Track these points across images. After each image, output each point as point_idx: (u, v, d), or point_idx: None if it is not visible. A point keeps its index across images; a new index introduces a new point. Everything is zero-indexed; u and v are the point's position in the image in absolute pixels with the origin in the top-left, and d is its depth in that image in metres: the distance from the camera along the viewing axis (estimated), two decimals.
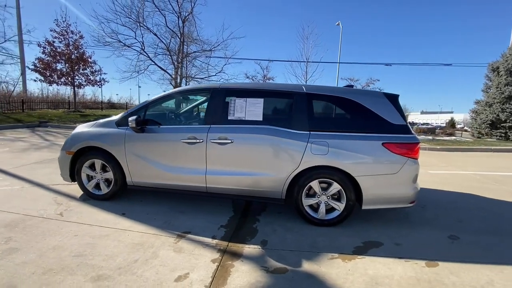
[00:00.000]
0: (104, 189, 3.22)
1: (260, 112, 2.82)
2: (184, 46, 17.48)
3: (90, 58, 14.71)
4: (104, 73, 15.55)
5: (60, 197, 3.32)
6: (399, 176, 2.59)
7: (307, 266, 2.09)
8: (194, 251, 2.27)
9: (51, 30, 13.03)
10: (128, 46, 15.41)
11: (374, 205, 2.69)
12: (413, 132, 2.70)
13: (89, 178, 3.27)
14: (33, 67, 13.08)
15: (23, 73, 13.49)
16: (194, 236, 2.53)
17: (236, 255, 2.23)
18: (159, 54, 17.22)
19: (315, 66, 18.44)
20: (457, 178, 5.02)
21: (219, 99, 2.93)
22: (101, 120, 3.33)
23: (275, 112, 2.94)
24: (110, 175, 3.16)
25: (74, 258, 2.07)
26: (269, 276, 1.97)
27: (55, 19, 13.05)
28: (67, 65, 13.70)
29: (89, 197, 3.28)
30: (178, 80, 17.73)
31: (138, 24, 14.95)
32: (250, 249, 2.34)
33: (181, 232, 2.58)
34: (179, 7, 16.36)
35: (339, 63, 23.49)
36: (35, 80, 13.44)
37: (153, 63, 16.42)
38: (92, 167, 3.23)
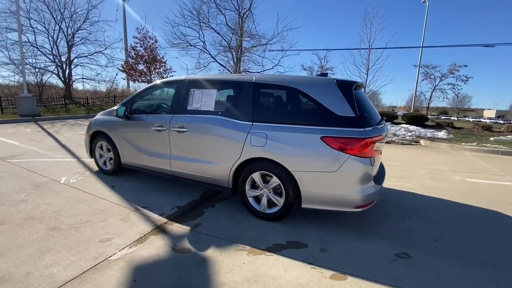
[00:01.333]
0: (108, 166, 3.96)
1: (212, 103, 2.93)
2: (243, 41, 18.31)
3: (163, 59, 17.26)
4: (174, 71, 17.94)
5: (83, 169, 4.26)
6: (339, 175, 2.28)
7: (210, 252, 2.16)
8: (135, 222, 2.63)
9: (133, 37, 15.95)
10: (194, 46, 17.30)
11: (313, 204, 2.45)
12: (365, 125, 2.30)
13: (100, 156, 4.07)
14: (122, 68, 16.37)
15: (127, 73, 16.83)
16: (147, 211, 2.89)
17: (163, 232, 2.47)
18: (222, 52, 18.68)
19: (379, 53, 16.38)
20: (499, 191, 3.81)
21: (182, 91, 3.17)
22: (107, 110, 4.07)
23: (226, 103, 2.97)
24: (111, 154, 3.87)
25: (52, 213, 2.73)
26: (171, 253, 2.14)
27: (137, 28, 15.94)
28: (146, 65, 16.46)
29: (100, 171, 4.09)
30: None
31: (201, 26, 16.54)
32: (179, 228, 2.54)
33: (140, 206, 2.99)
34: (238, 5, 17.18)
35: (422, 47, 20.11)
36: (123, 79, 16.83)
37: (213, 60, 17.91)
38: (102, 147, 4.02)
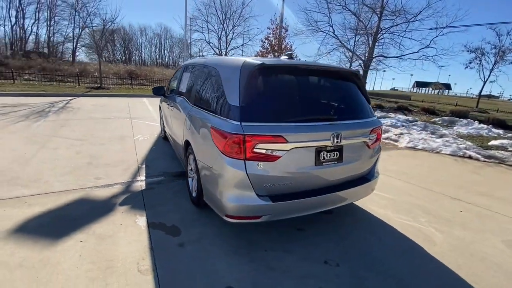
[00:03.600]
0: (163, 133, 5.21)
1: (185, 85, 3.20)
2: (382, 21, 15.64)
3: (291, 47, 18.09)
4: (298, 59, 18.45)
5: (156, 133, 5.80)
6: (213, 173, 2.00)
7: (121, 209, 2.60)
8: (127, 174, 3.52)
9: (268, 28, 17.68)
10: (322, 31, 16.79)
11: (207, 200, 2.27)
12: (245, 119, 1.81)
13: (162, 125, 5.40)
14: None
15: None
16: (144, 169, 3.73)
17: (128, 185, 3.19)
18: (351, 35, 16.98)
19: None
20: None
21: (181, 74, 3.63)
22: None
23: (190, 86, 3.08)
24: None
25: (102, 154, 4.16)
26: (103, 200, 2.78)
27: (270, 19, 17.47)
28: (276, 54, 17.99)
29: (162, 136, 5.44)
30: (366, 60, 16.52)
31: (329, 10, 15.62)
32: (137, 187, 3.15)
33: (144, 165, 3.89)
34: None
35: None
36: None
37: (341, 45, 16.63)
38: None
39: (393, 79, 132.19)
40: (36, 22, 24.87)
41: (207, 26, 22.96)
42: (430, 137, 6.78)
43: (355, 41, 15.47)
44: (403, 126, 7.58)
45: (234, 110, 1.91)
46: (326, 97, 2.29)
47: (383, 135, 7.00)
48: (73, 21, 25.11)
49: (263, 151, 1.84)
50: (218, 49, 23.70)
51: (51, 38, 25.89)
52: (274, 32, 17.53)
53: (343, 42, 16.61)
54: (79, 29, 25.36)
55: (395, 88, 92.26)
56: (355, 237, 2.32)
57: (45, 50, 26.01)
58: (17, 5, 21.92)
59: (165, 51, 51.97)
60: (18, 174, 3.22)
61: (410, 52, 15.23)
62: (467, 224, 2.67)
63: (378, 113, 9.41)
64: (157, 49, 51.45)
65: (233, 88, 1.99)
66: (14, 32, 23.83)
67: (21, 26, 23.14)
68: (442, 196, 3.35)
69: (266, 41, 18.11)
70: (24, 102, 8.70)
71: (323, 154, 2.05)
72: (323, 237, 2.30)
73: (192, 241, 2.15)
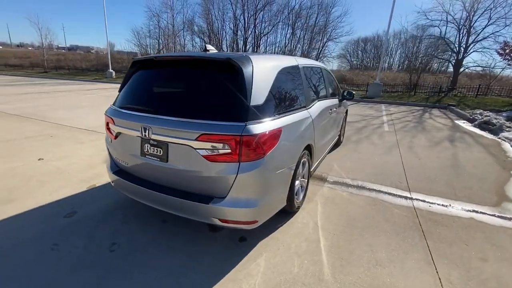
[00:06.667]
0: None
1: None
2: None
3: None
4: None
5: None
6: None
7: None
8: None
9: None
10: None
11: None
12: (115, 103, 2.42)
13: None
14: (501, 51, 12.10)
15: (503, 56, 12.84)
16: None
17: None
18: None
19: None
20: None
21: None
22: None
23: None
24: None
25: None
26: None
27: None
28: None
29: None
30: None
31: None
32: None
33: None
34: None
35: None
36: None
37: None
38: None
39: None
40: (297, 39, 33.14)
41: (446, 17, 17.95)
42: None
43: None
44: None
45: None
46: (161, 88, 2.26)
47: None
48: (321, 36, 30.40)
49: (111, 129, 2.32)
50: (455, 45, 17.93)
51: (307, 51, 32.44)
52: None
53: None
54: (324, 42, 31.06)
55: None
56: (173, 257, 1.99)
57: None
58: (291, 31, 30.29)
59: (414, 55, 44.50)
60: None
61: None
62: None
63: None
64: (404, 54, 43.92)
65: None
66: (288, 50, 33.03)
67: (293, 46, 31.89)
68: None
69: None
70: None
71: (147, 146, 2.08)
72: (165, 238, 2.29)
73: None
